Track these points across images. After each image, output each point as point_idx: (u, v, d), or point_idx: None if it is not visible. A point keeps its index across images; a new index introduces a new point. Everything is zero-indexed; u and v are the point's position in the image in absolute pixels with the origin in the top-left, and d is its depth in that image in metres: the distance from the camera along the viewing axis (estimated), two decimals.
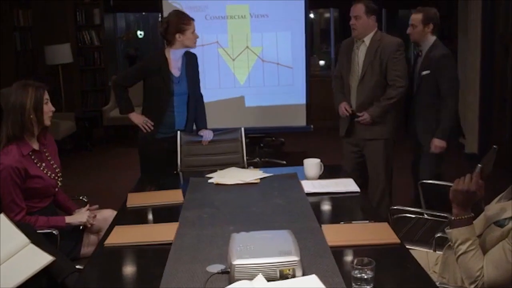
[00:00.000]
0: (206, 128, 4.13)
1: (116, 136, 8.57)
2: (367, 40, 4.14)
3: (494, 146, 2.40)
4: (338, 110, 4.29)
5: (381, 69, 4.09)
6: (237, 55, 5.56)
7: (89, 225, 3.02)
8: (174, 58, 3.94)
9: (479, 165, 2.13)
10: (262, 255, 1.93)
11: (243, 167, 3.84)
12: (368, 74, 4.13)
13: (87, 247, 3.02)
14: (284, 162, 6.18)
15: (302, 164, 3.38)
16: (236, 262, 1.90)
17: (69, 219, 2.98)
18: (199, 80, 4.17)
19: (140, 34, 10.92)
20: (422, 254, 2.62)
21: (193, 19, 3.90)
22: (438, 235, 2.75)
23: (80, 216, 3.03)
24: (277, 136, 7.66)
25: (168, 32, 3.87)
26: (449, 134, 4.08)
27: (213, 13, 5.45)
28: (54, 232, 2.84)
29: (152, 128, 3.97)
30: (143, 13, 11.02)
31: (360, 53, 4.18)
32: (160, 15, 5.82)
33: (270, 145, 7.49)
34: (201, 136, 4.05)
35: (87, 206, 3.16)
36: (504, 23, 6.36)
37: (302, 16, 5.56)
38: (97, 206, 3.23)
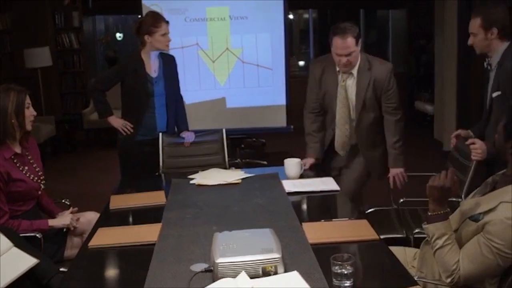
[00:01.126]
0: (187, 130, 4.16)
1: (97, 139, 8.56)
2: (355, 71, 3.54)
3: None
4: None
5: (377, 104, 3.59)
6: (217, 56, 5.60)
7: (73, 228, 3.03)
8: (149, 59, 3.96)
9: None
10: (244, 253, 1.97)
11: (225, 168, 3.87)
12: (364, 113, 3.60)
13: (71, 250, 3.03)
14: (265, 162, 6.23)
15: (283, 164, 3.43)
16: (219, 260, 1.94)
17: (52, 222, 2.99)
18: (178, 81, 4.20)
19: (119, 37, 10.89)
20: (400, 250, 2.68)
21: (166, 22, 3.90)
22: (416, 231, 2.81)
23: (63, 219, 3.04)
24: (257, 137, 7.70)
25: (139, 33, 3.91)
26: None
27: (193, 16, 5.48)
28: (37, 235, 2.85)
29: (131, 130, 4.00)
30: (122, 16, 10.99)
31: (350, 89, 3.58)
32: (139, 17, 5.83)
33: (251, 146, 7.54)
34: (183, 138, 4.08)
35: (70, 209, 3.18)
36: None
37: (282, 17, 5.62)
38: (76, 208, 3.24)
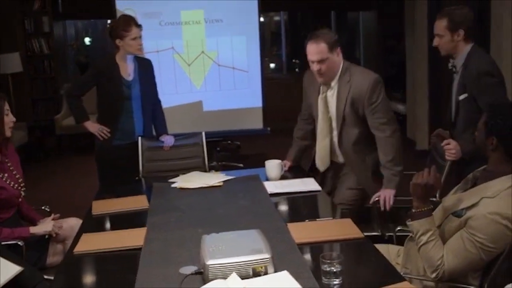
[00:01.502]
0: (166, 133, 4.15)
1: (70, 145, 8.45)
2: (335, 83, 3.30)
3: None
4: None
5: (359, 119, 3.29)
6: (192, 60, 5.60)
7: (55, 234, 3.00)
8: (124, 62, 3.95)
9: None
10: (234, 254, 1.98)
11: (205, 171, 3.88)
12: (345, 128, 3.34)
13: (53, 257, 3.00)
14: (242, 165, 6.24)
15: (259, 166, 3.46)
16: (210, 262, 1.94)
17: (33, 230, 2.96)
18: (155, 85, 4.18)
19: (89, 41, 10.76)
20: (383, 247, 2.71)
21: (137, 25, 3.88)
22: (399, 228, 2.86)
23: (45, 226, 3.01)
24: (232, 140, 7.71)
25: (111, 36, 3.91)
26: None
27: (168, 19, 5.47)
28: (19, 243, 2.82)
29: (108, 135, 3.99)
30: (92, 20, 10.86)
31: (330, 101, 3.36)
32: (111, 22, 5.79)
33: (227, 148, 7.55)
34: (162, 142, 4.07)
35: (52, 216, 3.14)
36: None
37: (256, 20, 5.64)
38: (58, 215, 3.21)
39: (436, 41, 3.27)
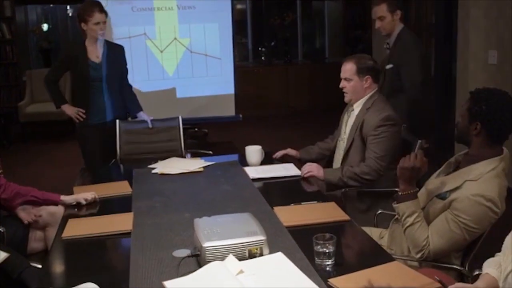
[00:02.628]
0: (141, 110, 4.31)
1: (34, 132, 8.29)
2: (357, 107, 3.35)
3: (419, 140, 2.60)
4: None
5: (364, 147, 3.28)
6: (165, 46, 5.55)
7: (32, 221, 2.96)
8: (92, 46, 4.11)
9: (419, 140, 2.32)
10: (230, 236, 2.01)
11: (181, 155, 3.91)
12: (351, 153, 3.34)
13: (34, 243, 2.97)
14: (211, 152, 6.24)
15: (228, 153, 3.50)
16: (206, 244, 1.96)
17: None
18: (126, 70, 4.34)
19: (48, 27, 10.48)
20: (365, 230, 2.78)
21: (101, 12, 4.00)
22: (379, 212, 2.94)
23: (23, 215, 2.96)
24: (200, 127, 7.70)
25: (78, 21, 4.08)
26: None
27: (140, 5, 5.40)
28: (0, 229, 2.78)
29: (84, 117, 4.15)
30: (51, 5, 10.62)
31: (349, 122, 3.43)
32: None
33: (194, 136, 7.52)
34: (140, 123, 4.18)
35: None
36: (416, 13, 6.72)
37: (229, 7, 5.63)
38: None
39: (377, 24, 3.88)
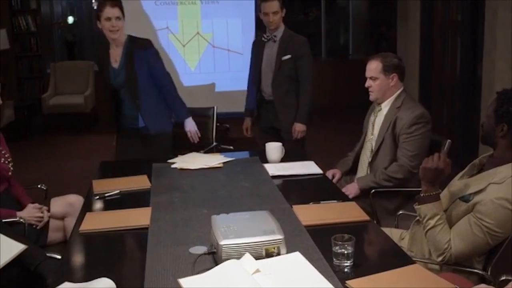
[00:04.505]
0: (185, 117, 3.88)
1: (56, 124, 8.36)
2: (386, 107, 3.31)
3: (448, 140, 2.55)
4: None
5: (394, 146, 3.24)
6: (187, 41, 5.55)
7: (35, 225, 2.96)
8: (112, 48, 3.69)
9: (448, 140, 2.28)
10: (247, 234, 1.98)
11: (211, 143, 4.02)
12: (381, 152, 3.29)
13: (53, 233, 2.98)
14: (231, 147, 6.22)
15: (250, 149, 3.45)
16: (223, 242, 1.94)
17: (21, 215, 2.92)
18: (158, 68, 3.80)
19: (75, 20, 10.55)
20: (386, 231, 2.73)
21: (113, 6, 3.51)
22: (400, 212, 2.89)
23: (26, 214, 2.94)
24: (221, 122, 7.68)
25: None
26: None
27: None
28: (21, 220, 2.80)
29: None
30: None
31: (376, 122, 3.37)
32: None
33: (216, 131, 7.51)
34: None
35: (34, 204, 3.06)
36: (442, 11, 6.62)
37: (252, 2, 5.60)
38: (37, 204, 3.09)
39: (271, 18, 4.11)
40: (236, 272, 1.81)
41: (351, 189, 3.28)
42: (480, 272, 2.28)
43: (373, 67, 3.26)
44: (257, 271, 1.84)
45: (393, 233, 2.69)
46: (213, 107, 4.16)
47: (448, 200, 2.36)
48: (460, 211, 2.25)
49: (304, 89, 4.24)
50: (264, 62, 4.26)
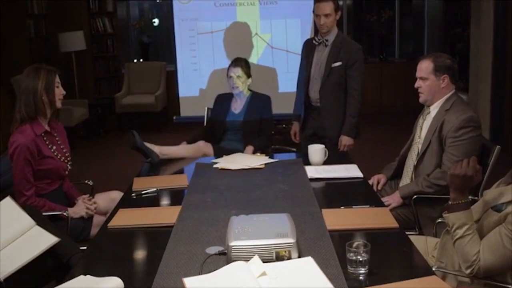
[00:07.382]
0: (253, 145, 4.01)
1: (129, 123, 8.62)
2: (434, 109, 3.17)
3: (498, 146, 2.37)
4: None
5: (441, 150, 3.08)
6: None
7: (87, 216, 3.08)
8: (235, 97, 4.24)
9: (497, 146, 2.15)
10: (258, 237, 1.97)
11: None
12: (426, 156, 3.14)
13: (96, 228, 3.07)
14: (294, 149, 6.18)
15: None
16: (233, 243, 1.93)
17: (70, 213, 3.03)
18: (264, 120, 4.19)
19: (154, 22, 10.89)
20: (421, 239, 2.63)
21: (235, 66, 4.16)
22: (439, 220, 2.76)
23: (79, 210, 3.08)
24: (287, 124, 7.66)
25: None
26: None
27: (223, 0, 5.43)
28: (65, 213, 2.92)
29: None
30: (157, 1, 10.99)
31: (424, 125, 3.24)
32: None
33: (281, 132, 7.48)
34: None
35: (82, 197, 3.20)
36: None
37: (311, 3, 5.51)
38: (88, 195, 3.26)
39: (322, 21, 3.96)
40: (241, 274, 1.79)
41: (392, 199, 3.13)
42: None
43: (424, 66, 3.11)
44: (263, 274, 1.82)
45: (428, 242, 2.58)
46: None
47: (481, 209, 2.23)
48: (491, 221, 2.12)
49: (353, 99, 4.01)
50: (314, 67, 4.11)
